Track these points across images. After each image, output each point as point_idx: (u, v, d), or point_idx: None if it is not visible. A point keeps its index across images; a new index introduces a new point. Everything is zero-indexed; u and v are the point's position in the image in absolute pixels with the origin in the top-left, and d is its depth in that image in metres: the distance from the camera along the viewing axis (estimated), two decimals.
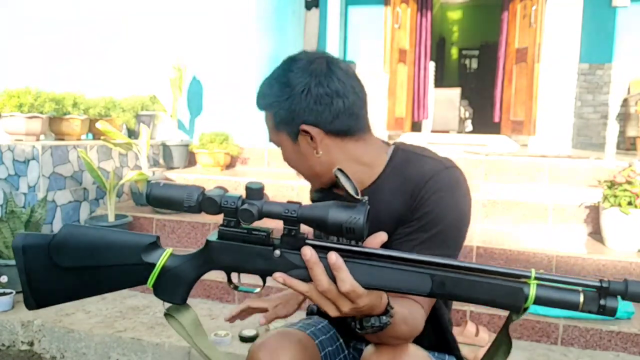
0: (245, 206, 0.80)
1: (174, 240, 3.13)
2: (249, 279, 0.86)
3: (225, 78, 4.30)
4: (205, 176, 3.65)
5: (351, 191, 0.78)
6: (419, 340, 0.98)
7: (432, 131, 6.79)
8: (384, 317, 0.84)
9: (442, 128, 7.16)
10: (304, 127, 1.03)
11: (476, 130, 8.10)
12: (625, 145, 5.72)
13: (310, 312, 1.37)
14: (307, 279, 0.78)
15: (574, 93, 5.18)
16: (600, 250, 2.72)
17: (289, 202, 0.81)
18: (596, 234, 2.94)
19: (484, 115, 8.23)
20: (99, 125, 3.20)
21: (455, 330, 2.26)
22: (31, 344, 2.36)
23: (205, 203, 0.82)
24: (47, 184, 2.97)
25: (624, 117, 5.86)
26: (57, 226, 3.03)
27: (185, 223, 3.12)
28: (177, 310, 0.89)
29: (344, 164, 1.06)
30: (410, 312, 0.93)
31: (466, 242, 1.09)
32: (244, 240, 0.82)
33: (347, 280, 0.76)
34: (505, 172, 3.50)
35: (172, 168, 3.96)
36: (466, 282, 0.76)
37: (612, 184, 2.77)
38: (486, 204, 3.11)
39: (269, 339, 1.10)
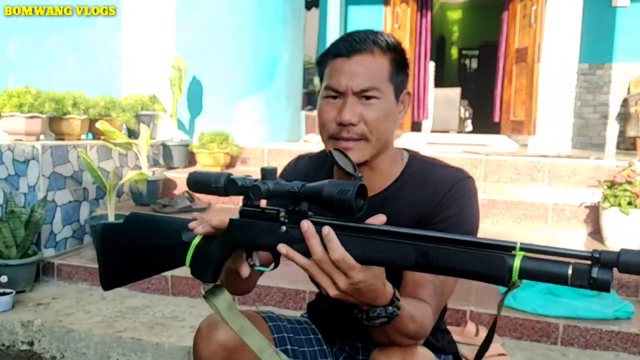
0: (257, 183, 0.88)
1: None
2: None
3: (225, 78, 4.30)
4: None
5: (348, 168, 0.84)
6: None
7: (432, 131, 6.79)
8: (390, 307, 0.85)
9: (442, 128, 7.17)
10: (409, 89, 1.10)
11: (476, 130, 8.11)
12: (625, 145, 5.73)
13: (310, 306, 1.37)
14: (308, 253, 0.82)
15: (573, 93, 5.19)
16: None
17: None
18: (596, 234, 2.94)
19: (484, 115, 8.24)
20: (99, 125, 3.20)
21: (455, 330, 2.26)
22: (31, 344, 2.36)
23: (229, 184, 0.91)
24: (47, 183, 2.97)
25: (624, 117, 5.87)
26: (57, 226, 3.03)
27: None
28: (212, 293, 0.95)
29: (392, 149, 1.13)
30: (418, 310, 0.93)
31: None
32: (259, 217, 0.90)
33: (336, 249, 0.79)
34: (505, 172, 3.50)
35: (172, 168, 3.96)
36: (450, 253, 0.76)
37: (612, 184, 2.77)
38: (486, 204, 3.11)
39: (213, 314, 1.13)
